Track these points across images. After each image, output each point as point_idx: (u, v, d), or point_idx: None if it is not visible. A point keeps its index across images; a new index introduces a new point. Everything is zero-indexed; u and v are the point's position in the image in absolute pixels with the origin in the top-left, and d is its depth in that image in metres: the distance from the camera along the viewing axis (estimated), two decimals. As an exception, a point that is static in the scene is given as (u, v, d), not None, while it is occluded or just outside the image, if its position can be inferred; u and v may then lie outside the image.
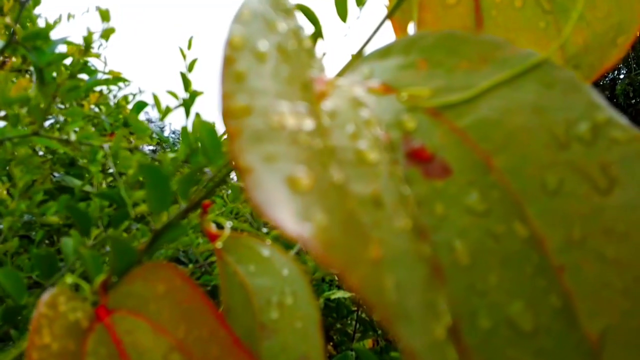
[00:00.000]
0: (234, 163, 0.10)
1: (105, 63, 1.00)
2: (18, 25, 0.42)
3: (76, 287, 0.30)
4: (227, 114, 0.11)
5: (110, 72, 1.00)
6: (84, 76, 0.94)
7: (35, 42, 0.38)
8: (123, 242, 0.24)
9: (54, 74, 0.43)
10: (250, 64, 0.12)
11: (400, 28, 0.31)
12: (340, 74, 0.21)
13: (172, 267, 0.23)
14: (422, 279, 0.11)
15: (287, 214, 0.09)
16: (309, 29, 0.27)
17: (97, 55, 0.86)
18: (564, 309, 0.13)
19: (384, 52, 0.19)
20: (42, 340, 0.20)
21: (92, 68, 0.91)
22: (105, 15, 0.51)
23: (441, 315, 0.11)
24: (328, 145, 0.13)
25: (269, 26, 0.14)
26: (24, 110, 0.38)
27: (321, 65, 0.17)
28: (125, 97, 1.02)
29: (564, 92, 0.16)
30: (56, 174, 0.88)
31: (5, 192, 0.47)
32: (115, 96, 1.06)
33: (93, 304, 0.25)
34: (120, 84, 1.03)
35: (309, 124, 0.12)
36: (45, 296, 0.22)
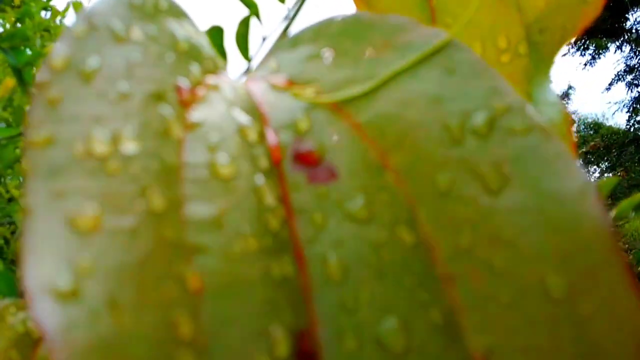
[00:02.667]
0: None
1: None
2: None
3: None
4: (27, 148, 0.10)
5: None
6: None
7: (13, 42, 0.39)
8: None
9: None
10: (70, 86, 0.11)
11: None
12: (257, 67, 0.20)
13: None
14: (257, 306, 0.11)
15: (41, 263, 0.08)
16: (243, 12, 0.25)
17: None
18: (446, 325, 0.12)
19: (293, 42, 0.18)
20: (-17, 353, 0.20)
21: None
22: (79, 8, 0.50)
23: (276, 343, 0.11)
24: (172, 163, 0.12)
25: (115, 37, 0.13)
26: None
27: (211, 65, 0.16)
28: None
29: (464, 78, 0.14)
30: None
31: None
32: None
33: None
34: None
35: (130, 147, 0.11)
36: (-7, 307, 0.22)
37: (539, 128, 0.13)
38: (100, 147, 0.10)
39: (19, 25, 0.80)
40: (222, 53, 0.28)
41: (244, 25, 0.25)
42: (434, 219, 0.13)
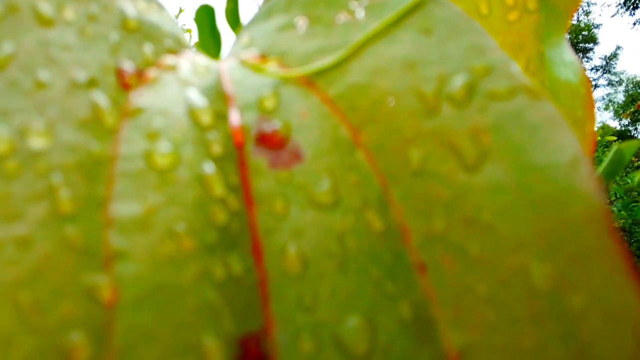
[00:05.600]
0: None
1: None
2: None
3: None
4: None
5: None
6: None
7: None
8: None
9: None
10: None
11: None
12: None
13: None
14: (186, 315, 0.09)
15: None
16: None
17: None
18: (417, 321, 0.11)
19: (266, 13, 0.16)
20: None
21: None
22: None
23: (209, 355, 0.09)
24: (99, 156, 0.11)
25: (40, 20, 0.12)
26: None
27: (171, 43, 0.15)
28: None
29: (441, 38, 0.12)
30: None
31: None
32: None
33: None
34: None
35: (37, 142, 0.10)
36: None
37: (524, 89, 0.11)
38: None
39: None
40: (214, 32, 0.27)
41: (233, 0, 0.24)
42: (407, 200, 0.12)
